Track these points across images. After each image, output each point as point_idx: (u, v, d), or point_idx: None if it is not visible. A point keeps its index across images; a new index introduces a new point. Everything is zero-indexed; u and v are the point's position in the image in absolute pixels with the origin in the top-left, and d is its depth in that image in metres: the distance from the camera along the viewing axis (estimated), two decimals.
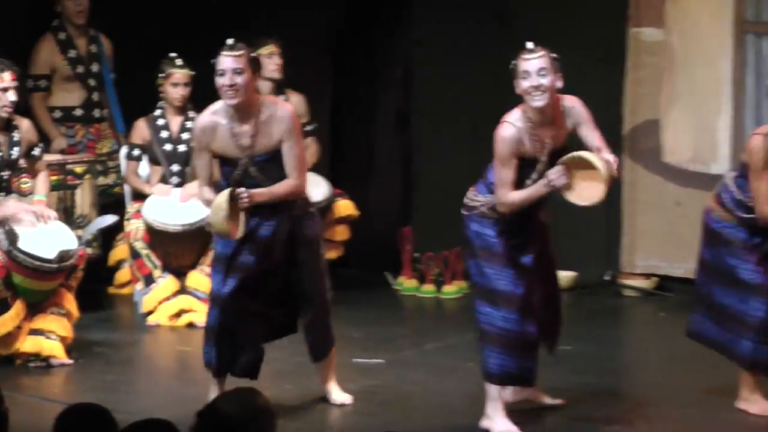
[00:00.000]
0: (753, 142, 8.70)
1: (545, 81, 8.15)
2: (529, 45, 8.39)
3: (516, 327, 8.37)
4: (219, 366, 8.74)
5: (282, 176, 8.73)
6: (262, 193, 8.58)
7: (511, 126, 8.28)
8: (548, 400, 8.91)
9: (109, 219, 11.30)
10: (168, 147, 11.61)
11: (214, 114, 8.71)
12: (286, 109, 8.91)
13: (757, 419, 8.66)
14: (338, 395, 9.03)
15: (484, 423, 8.46)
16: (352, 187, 12.63)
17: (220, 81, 8.48)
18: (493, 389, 8.45)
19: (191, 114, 11.28)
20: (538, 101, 8.13)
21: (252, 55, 8.69)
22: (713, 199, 9.01)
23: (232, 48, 8.56)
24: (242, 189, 8.47)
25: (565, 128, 8.47)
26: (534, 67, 8.24)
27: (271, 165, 8.72)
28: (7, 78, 9.74)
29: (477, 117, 12.47)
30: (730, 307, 8.98)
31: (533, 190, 8.27)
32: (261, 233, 8.69)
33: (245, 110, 8.63)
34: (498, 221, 8.53)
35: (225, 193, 8.38)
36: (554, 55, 8.32)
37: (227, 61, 8.53)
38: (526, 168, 8.28)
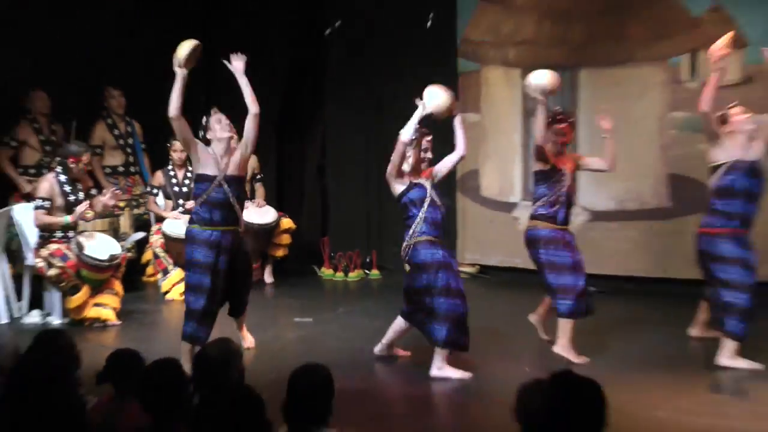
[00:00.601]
0: None
1: (430, 155, 8.70)
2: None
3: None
4: (203, 338, 8.43)
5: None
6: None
7: None
8: (401, 352, 9.09)
9: (140, 235, 11.87)
10: (176, 189, 12.03)
11: None
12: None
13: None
14: (250, 340, 9.36)
15: (437, 372, 8.50)
16: (290, 211, 12.90)
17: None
18: (443, 352, 8.40)
19: (190, 168, 11.61)
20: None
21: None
22: None
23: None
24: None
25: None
26: (425, 145, 8.69)
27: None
28: (85, 159, 10.32)
29: (369, 168, 12.91)
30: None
31: None
32: (223, 252, 8.55)
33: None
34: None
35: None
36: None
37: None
38: None
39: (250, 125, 8.78)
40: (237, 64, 8.73)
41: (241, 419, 3.96)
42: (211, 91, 12.71)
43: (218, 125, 8.79)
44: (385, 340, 9.02)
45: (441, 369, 8.48)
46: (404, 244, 8.54)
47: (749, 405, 7.90)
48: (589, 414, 4.36)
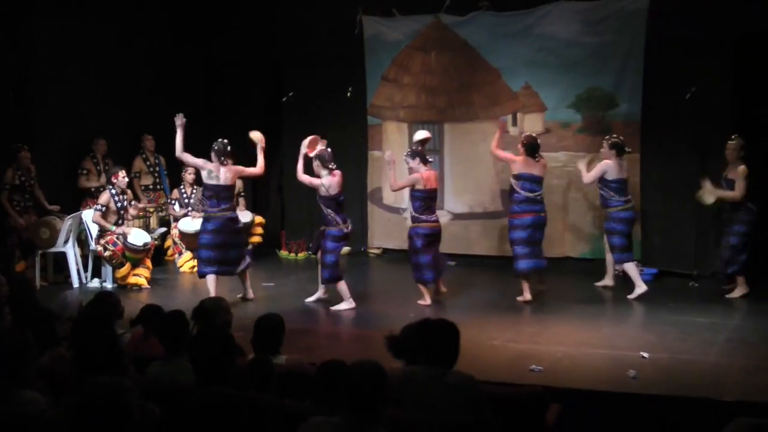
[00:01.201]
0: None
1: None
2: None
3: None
4: (216, 270, 9.16)
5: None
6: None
7: None
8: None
9: (163, 230, 11.68)
10: (186, 200, 11.88)
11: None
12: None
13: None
14: (250, 292, 9.55)
15: (337, 306, 8.97)
16: (262, 213, 12.73)
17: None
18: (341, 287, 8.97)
19: (197, 188, 11.45)
20: None
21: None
22: None
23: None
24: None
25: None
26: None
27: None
28: (121, 174, 10.32)
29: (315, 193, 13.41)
30: None
31: None
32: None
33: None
34: None
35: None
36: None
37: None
38: None
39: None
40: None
41: (218, 350, 3.92)
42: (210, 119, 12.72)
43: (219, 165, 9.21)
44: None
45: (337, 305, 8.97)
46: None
47: (551, 334, 8.03)
48: (446, 343, 4.39)
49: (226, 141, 9.37)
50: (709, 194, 9.23)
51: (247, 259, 9.65)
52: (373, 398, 3.45)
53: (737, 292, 9.20)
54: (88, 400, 3.03)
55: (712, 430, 4.12)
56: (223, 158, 9.21)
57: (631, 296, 9.24)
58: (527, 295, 9.21)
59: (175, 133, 9.17)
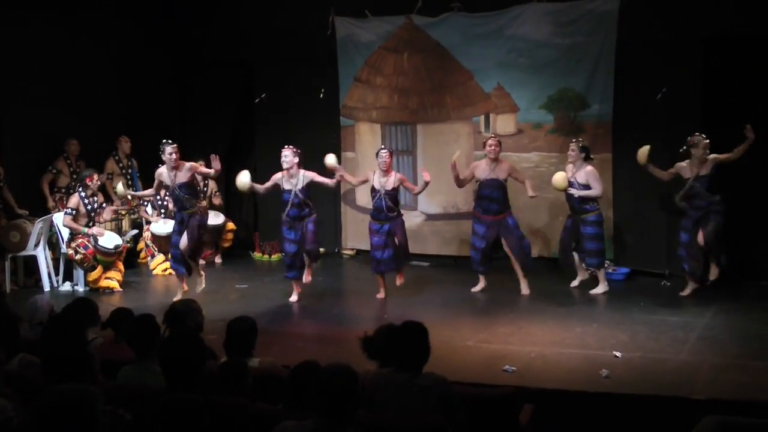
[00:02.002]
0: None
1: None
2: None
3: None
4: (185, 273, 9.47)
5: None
6: None
7: None
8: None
9: (134, 232, 11.61)
10: (159, 202, 11.76)
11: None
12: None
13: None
14: (202, 282, 9.60)
15: None
16: (234, 218, 12.86)
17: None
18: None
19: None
20: None
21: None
22: None
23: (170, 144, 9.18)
24: None
25: None
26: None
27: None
28: (95, 177, 10.18)
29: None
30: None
31: None
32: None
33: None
34: None
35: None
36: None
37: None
38: None
39: (205, 173, 9.68)
40: (216, 165, 9.18)
41: (188, 353, 3.91)
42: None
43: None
44: None
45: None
46: None
47: (525, 334, 8.06)
48: (415, 345, 4.37)
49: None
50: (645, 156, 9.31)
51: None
52: (344, 401, 3.44)
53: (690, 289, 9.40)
54: (53, 408, 3.00)
55: (683, 427, 4.19)
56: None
57: (593, 291, 9.54)
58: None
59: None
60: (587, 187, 9.42)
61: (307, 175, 9.33)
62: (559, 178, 9.54)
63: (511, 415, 4.70)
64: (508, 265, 9.78)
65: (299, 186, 9.24)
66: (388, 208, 9.47)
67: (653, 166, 9.31)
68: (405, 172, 11.31)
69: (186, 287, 9.61)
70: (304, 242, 9.36)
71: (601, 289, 9.55)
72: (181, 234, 9.53)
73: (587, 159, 9.60)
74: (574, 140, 9.80)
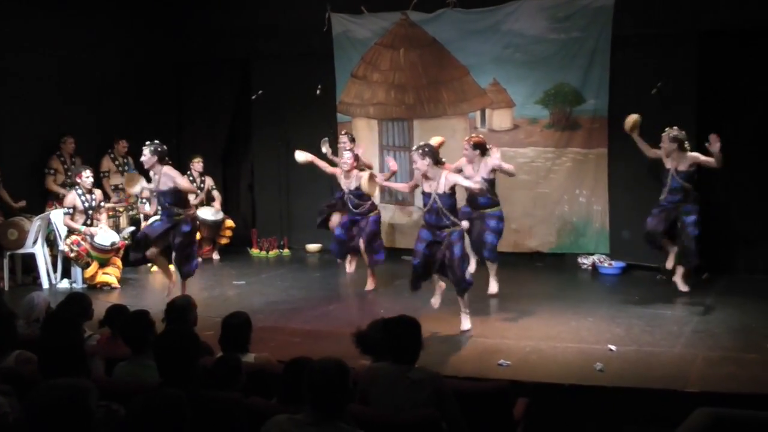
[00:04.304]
0: None
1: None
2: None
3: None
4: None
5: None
6: None
7: None
8: None
9: (132, 228, 11.28)
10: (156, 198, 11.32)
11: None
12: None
13: None
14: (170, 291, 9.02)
15: None
16: (232, 214, 12.76)
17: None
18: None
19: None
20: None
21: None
22: None
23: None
24: None
25: None
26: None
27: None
28: (85, 174, 10.23)
29: (281, 184, 12.57)
30: None
31: None
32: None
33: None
34: None
35: None
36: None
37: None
38: None
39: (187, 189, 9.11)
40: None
41: (182, 348, 3.94)
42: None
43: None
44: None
45: None
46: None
47: (520, 328, 8.06)
48: (407, 340, 4.40)
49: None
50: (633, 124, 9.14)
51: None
52: (336, 395, 3.47)
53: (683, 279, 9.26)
54: (47, 402, 3.00)
55: (675, 420, 4.17)
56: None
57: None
58: None
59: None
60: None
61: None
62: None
63: (505, 409, 4.72)
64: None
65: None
66: (354, 206, 9.59)
67: (641, 138, 9.12)
68: (402, 167, 11.24)
69: (172, 282, 9.31)
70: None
71: (492, 290, 9.32)
72: (160, 228, 9.18)
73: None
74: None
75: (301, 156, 9.89)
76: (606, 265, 10.52)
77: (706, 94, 10.09)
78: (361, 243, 9.81)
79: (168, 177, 8.83)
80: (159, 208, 11.23)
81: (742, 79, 9.99)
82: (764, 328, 7.73)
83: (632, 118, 9.12)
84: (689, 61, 10.15)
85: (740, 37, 10.00)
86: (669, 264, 9.17)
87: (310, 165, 9.96)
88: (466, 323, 7.85)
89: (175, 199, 8.90)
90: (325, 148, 10.05)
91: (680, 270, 9.04)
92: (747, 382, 6.16)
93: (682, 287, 9.02)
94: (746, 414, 4.20)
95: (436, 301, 8.19)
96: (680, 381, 6.20)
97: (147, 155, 8.94)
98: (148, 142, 8.97)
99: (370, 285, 9.87)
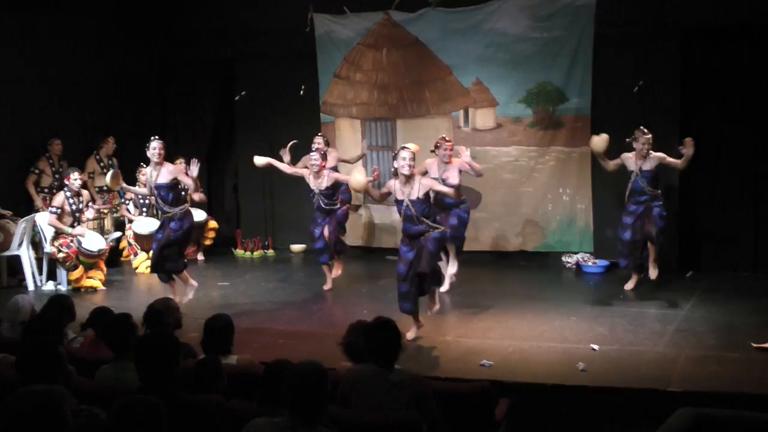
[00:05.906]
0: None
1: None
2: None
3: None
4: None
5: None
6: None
7: None
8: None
9: (118, 234, 11.51)
10: (141, 201, 11.74)
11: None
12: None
13: None
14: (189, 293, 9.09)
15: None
16: (216, 215, 12.79)
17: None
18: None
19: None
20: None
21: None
22: None
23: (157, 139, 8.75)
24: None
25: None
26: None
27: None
28: (73, 176, 10.07)
29: (265, 185, 12.58)
30: None
31: None
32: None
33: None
34: None
35: None
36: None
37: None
38: None
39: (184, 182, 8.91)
40: (194, 170, 8.71)
41: (161, 351, 3.88)
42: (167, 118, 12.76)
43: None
44: None
45: None
46: None
47: (504, 328, 8.04)
48: (386, 342, 4.38)
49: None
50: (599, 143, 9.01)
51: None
52: (314, 398, 3.46)
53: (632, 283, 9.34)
54: (19, 409, 2.98)
55: (658, 420, 4.16)
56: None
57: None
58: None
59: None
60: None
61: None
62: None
63: (486, 409, 4.69)
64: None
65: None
66: (324, 205, 9.55)
67: (604, 157, 9.05)
68: (385, 167, 11.27)
69: (175, 291, 9.18)
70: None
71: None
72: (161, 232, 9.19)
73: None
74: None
75: (260, 160, 9.78)
76: (590, 263, 10.52)
77: (689, 92, 10.11)
78: (326, 230, 9.65)
79: (169, 171, 8.84)
80: (145, 208, 11.56)
81: (724, 77, 10.02)
82: (747, 327, 7.71)
83: (603, 140, 8.93)
84: (672, 59, 10.20)
85: (722, 34, 10.05)
86: (652, 275, 9.10)
87: (271, 168, 9.81)
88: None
89: (172, 193, 8.91)
90: (286, 156, 9.82)
91: (651, 255, 9.00)
92: (729, 382, 6.16)
93: (652, 273, 8.98)
94: (727, 413, 4.19)
95: (436, 307, 8.06)
96: (663, 380, 6.19)
97: (160, 147, 8.82)
98: (155, 136, 8.93)
99: (336, 271, 10.00)
